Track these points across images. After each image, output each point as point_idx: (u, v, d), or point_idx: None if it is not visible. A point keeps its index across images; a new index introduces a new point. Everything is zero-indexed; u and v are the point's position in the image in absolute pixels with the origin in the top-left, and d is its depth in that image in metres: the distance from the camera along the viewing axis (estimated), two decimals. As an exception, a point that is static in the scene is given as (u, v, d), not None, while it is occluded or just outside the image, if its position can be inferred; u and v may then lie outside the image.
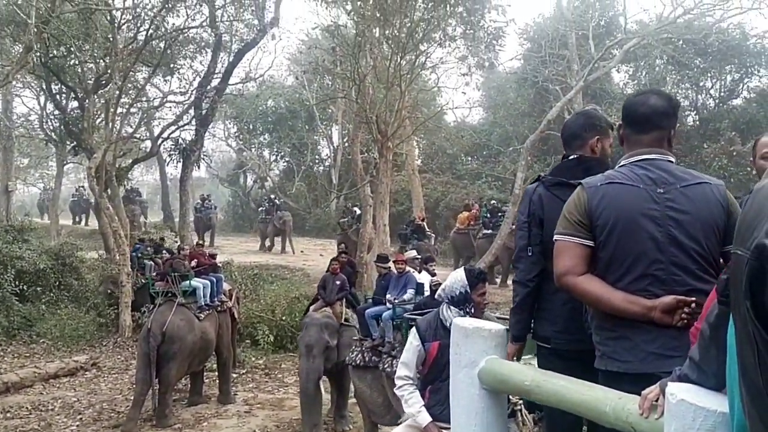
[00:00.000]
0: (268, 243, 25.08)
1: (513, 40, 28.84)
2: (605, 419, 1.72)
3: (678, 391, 1.53)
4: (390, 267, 9.02)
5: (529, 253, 2.96)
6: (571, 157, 3.10)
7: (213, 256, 12.23)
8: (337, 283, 9.61)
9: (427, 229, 17.85)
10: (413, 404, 3.85)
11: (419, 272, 9.18)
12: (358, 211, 20.02)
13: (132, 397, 9.79)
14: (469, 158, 30.25)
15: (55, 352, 13.32)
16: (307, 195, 30.84)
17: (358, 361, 7.93)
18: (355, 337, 8.57)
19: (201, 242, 14.49)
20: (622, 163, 2.58)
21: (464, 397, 2.14)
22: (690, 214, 2.40)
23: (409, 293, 7.98)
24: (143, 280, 14.42)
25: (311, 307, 9.55)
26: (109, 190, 16.97)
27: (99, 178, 15.74)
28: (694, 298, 2.30)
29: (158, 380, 9.73)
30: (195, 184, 32.83)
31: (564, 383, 1.86)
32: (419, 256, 10.56)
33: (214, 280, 11.09)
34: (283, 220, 23.90)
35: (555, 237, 2.56)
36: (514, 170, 22.35)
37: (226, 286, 11.56)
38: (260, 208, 25.85)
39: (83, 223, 30.78)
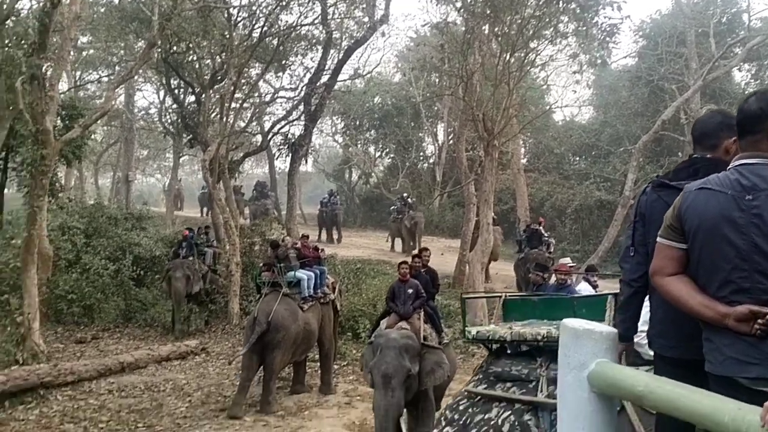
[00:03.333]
0: (398, 243, 23.88)
1: (627, 37, 28.02)
2: (723, 430, 1.65)
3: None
4: (547, 276, 8.65)
5: (631, 254, 2.95)
6: (694, 156, 2.99)
7: (317, 249, 12.46)
8: (410, 291, 8.12)
9: (545, 235, 16.73)
10: None
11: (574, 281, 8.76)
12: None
13: (238, 383, 10.12)
14: (577, 158, 29.63)
15: (168, 336, 13.93)
16: (411, 192, 30.93)
17: None
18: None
19: (306, 234, 14.71)
20: (729, 167, 2.54)
21: (572, 399, 2.11)
22: None
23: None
24: (206, 267, 14.85)
25: (382, 322, 8.08)
26: (221, 182, 17.57)
27: (213, 171, 16.33)
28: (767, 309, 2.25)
29: (263, 368, 10.04)
30: (301, 179, 33.59)
31: (680, 390, 1.80)
32: (573, 264, 10.09)
33: (318, 272, 11.29)
34: (415, 221, 22.76)
35: (657, 238, 2.61)
36: (625, 171, 21.73)
37: (329, 279, 11.77)
38: (392, 207, 24.89)
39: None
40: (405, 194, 25.19)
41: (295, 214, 23.34)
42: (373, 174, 33.86)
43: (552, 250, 16.70)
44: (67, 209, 16.39)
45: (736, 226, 2.36)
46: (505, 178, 25.31)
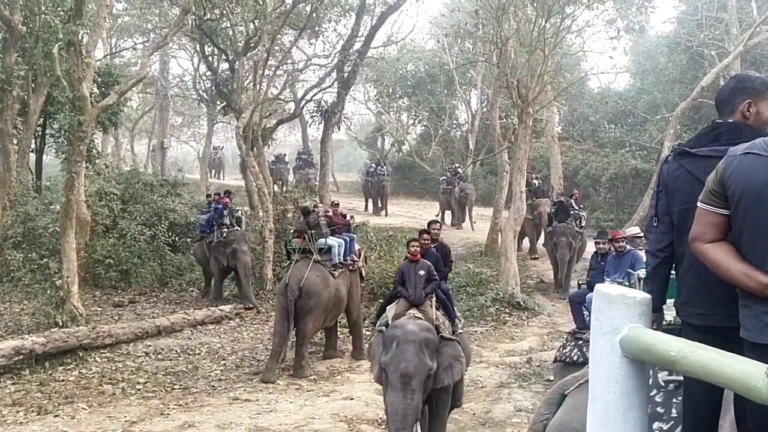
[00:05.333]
0: (450, 218, 23.07)
1: (666, 2, 27.42)
2: (756, 395, 1.65)
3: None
4: (609, 245, 8.27)
5: (655, 224, 2.92)
6: (716, 121, 2.94)
7: (345, 216, 12.52)
8: (421, 273, 7.08)
9: (574, 207, 16.10)
10: None
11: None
12: (537, 183, 18.66)
13: (271, 348, 10.27)
14: (613, 126, 29.20)
15: (203, 300, 14.15)
16: (444, 159, 30.81)
17: (575, 358, 5.95)
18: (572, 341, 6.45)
19: (336, 202, 14.72)
20: None
21: (604, 364, 2.11)
22: None
23: (640, 273, 6.05)
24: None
25: (389, 308, 7.07)
26: (255, 149, 17.66)
27: (246, 138, 16.41)
28: None
29: (295, 333, 10.17)
30: (334, 146, 33.61)
31: (713, 356, 1.80)
32: (641, 234, 9.92)
33: (348, 239, 11.36)
34: (465, 192, 21.63)
35: (697, 203, 2.54)
36: (661, 139, 21.42)
37: (356, 246, 11.82)
38: (441, 178, 23.97)
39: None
40: (456, 165, 24.45)
41: (328, 181, 23.42)
42: (405, 142, 33.74)
43: (583, 224, 16.23)
44: (104, 175, 16.63)
45: None
46: (539, 146, 25.07)
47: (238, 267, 13.65)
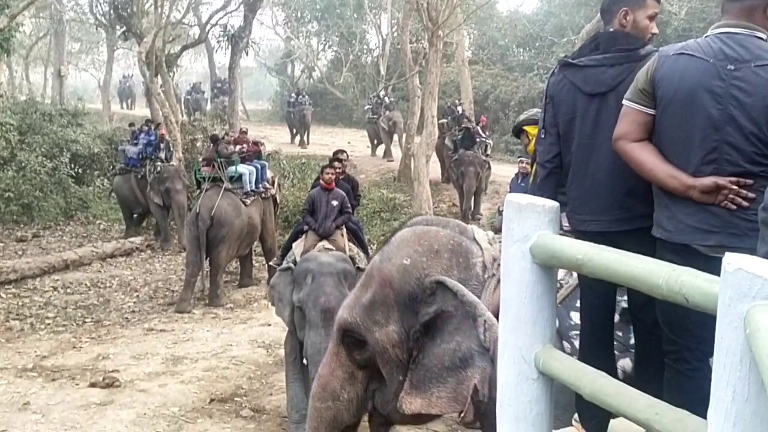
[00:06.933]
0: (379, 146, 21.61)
1: (573, -77, 27.38)
2: (657, 291, 1.72)
3: (735, 260, 1.51)
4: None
5: (543, 136, 2.97)
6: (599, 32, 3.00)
7: (257, 143, 12.28)
8: (334, 203, 6.62)
9: (482, 135, 15.68)
10: None
11: None
12: (461, 110, 18.12)
13: (184, 278, 10.16)
14: (521, 49, 29.45)
15: (111, 233, 13.79)
16: (355, 86, 30.52)
17: None
18: None
19: (245, 129, 14.25)
20: (707, 34, 2.49)
21: (515, 270, 2.17)
22: (755, 95, 2.30)
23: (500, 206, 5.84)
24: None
25: (294, 245, 6.51)
26: (159, 76, 17.04)
27: (149, 64, 15.80)
28: (733, 183, 2.29)
29: (209, 262, 10.07)
30: (243, 73, 32.75)
31: (616, 257, 1.86)
32: None
33: (259, 167, 11.19)
34: (393, 121, 20.23)
35: (623, 101, 2.57)
36: (568, 62, 21.74)
37: (269, 174, 11.67)
38: (366, 107, 22.43)
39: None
40: (382, 93, 23.17)
41: (238, 109, 22.87)
42: (316, 68, 33.21)
43: (489, 152, 16.09)
44: (-2, 105, 15.78)
45: (714, 96, 2.34)
46: (450, 70, 25.10)
47: (173, 207, 13.01)
